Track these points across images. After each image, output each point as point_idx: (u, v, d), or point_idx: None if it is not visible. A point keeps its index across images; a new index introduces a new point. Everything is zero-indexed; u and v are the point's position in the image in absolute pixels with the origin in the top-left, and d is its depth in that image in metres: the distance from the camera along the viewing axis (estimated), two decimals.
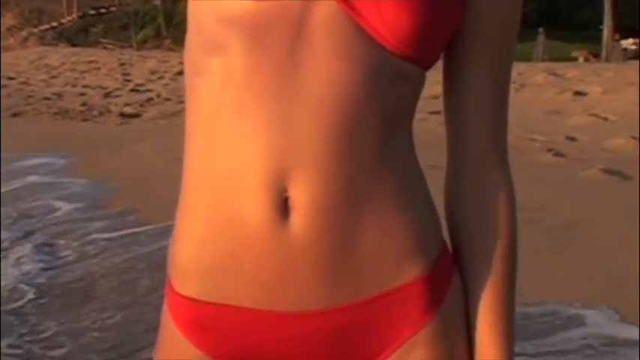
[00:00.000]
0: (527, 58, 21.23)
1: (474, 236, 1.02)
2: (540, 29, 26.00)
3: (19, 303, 4.29)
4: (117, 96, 16.41)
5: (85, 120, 13.22)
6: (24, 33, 39.30)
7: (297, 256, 0.93)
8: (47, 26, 40.10)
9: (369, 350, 0.98)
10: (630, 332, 3.64)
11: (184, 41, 1.03)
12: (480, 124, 1.02)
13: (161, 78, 19.57)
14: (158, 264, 4.60)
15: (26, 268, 4.91)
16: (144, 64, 23.41)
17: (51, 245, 5.43)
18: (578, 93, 12.67)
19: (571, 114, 10.88)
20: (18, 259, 5.11)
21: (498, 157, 1.03)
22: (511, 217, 1.02)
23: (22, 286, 4.55)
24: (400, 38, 0.92)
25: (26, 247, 5.34)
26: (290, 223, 0.92)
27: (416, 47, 0.93)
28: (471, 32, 0.99)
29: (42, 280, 4.69)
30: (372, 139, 0.94)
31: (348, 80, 0.91)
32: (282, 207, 0.92)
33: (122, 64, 23.60)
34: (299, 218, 0.92)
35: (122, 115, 13.52)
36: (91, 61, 24.76)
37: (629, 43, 26.12)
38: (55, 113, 14.02)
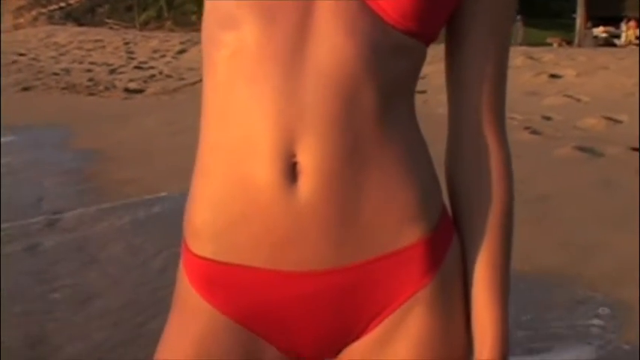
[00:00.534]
0: None
1: (473, 198, 1.01)
2: (518, 16, 25.97)
3: None
4: (121, 72, 16.37)
5: (92, 94, 13.24)
6: (34, 13, 38.94)
7: (304, 217, 0.92)
8: (56, 7, 39.69)
9: (372, 309, 0.97)
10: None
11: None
12: (479, 95, 1.01)
13: (163, 56, 19.50)
14: (159, 229, 4.65)
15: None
16: (147, 43, 23.26)
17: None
18: (553, 76, 12.71)
19: (547, 95, 10.93)
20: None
21: (496, 126, 1.03)
22: (507, 180, 1.02)
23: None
24: (402, 13, 0.92)
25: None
26: (298, 187, 0.92)
27: (417, 22, 0.93)
28: (470, 8, 0.99)
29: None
30: (374, 108, 0.93)
31: (351, 53, 0.91)
32: (291, 171, 0.92)
33: (126, 43, 23.43)
34: (306, 182, 0.91)
35: (126, 90, 13.54)
36: (97, 40, 24.60)
37: (599, 31, 26.13)
38: (63, 88, 14.06)
